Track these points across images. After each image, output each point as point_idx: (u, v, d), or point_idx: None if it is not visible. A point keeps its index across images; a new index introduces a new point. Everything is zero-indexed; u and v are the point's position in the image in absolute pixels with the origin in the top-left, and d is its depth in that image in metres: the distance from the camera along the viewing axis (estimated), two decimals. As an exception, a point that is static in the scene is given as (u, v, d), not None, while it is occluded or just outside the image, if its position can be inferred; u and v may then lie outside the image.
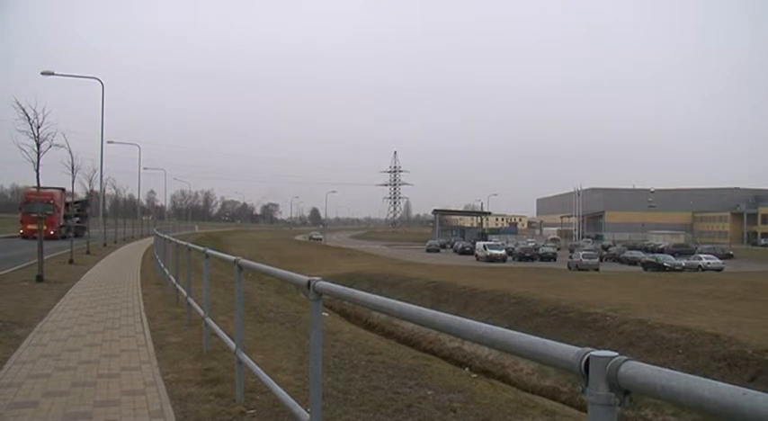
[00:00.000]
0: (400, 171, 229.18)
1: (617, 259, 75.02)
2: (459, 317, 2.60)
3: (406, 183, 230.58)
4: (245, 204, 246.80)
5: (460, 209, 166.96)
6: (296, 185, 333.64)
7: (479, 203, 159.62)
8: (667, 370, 1.66)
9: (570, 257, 65.19)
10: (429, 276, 40.09)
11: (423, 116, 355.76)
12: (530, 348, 2.11)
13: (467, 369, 18.04)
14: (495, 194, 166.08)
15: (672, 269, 60.02)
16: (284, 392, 5.25)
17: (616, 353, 1.79)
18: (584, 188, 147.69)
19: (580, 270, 56.75)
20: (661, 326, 21.31)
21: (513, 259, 72.46)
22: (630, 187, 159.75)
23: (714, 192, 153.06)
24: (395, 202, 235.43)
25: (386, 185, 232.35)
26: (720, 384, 1.50)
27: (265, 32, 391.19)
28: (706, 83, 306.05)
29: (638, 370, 1.70)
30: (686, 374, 1.61)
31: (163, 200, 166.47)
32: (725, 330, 19.74)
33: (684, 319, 22.11)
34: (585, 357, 1.83)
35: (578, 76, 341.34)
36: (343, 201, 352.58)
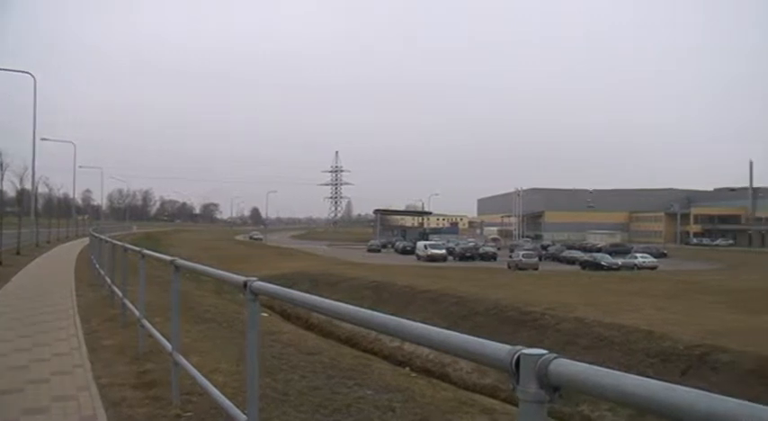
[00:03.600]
0: (342, 171, 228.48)
1: (556, 258, 75.95)
2: (394, 317, 2.59)
3: (347, 183, 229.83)
4: (184, 204, 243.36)
5: (402, 208, 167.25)
6: (237, 185, 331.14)
7: (421, 203, 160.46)
8: (595, 366, 1.70)
9: (510, 257, 65.82)
10: (370, 276, 40.11)
11: (365, 116, 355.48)
12: (463, 347, 2.12)
13: (407, 368, 18.08)
14: (437, 194, 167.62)
15: (609, 268, 61.33)
16: (221, 394, 5.17)
17: (546, 351, 1.81)
18: (524, 188, 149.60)
19: (520, 269, 57.38)
20: (598, 323, 21.72)
21: (454, 259, 72.77)
22: (570, 188, 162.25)
23: (649, 192, 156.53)
24: (336, 202, 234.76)
25: (327, 185, 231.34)
26: (645, 379, 1.56)
27: (217, 28, 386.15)
28: (642, 87, 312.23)
29: (567, 367, 1.73)
30: (613, 371, 1.65)
31: (99, 199, 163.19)
32: (659, 327, 20.23)
33: (620, 317, 22.56)
34: (516, 355, 1.85)
35: (521, 78, 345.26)
36: (284, 200, 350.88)
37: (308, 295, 3.60)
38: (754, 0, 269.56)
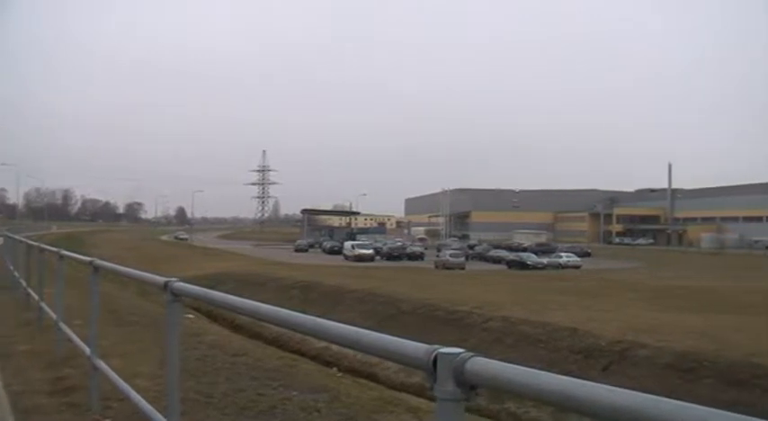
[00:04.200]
0: (269, 170, 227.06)
1: (483, 258, 76.70)
2: (313, 317, 2.56)
3: (275, 183, 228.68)
4: (107, 203, 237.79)
5: (330, 208, 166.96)
6: (162, 184, 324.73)
7: (348, 203, 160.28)
8: (511, 364, 1.73)
9: (437, 256, 66.25)
10: (297, 276, 39.91)
11: (293, 114, 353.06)
12: (381, 347, 2.11)
13: (335, 368, 18.02)
14: (364, 194, 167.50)
15: (534, 267, 62.33)
16: (141, 399, 5.05)
17: (462, 350, 1.83)
18: (451, 189, 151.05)
19: (447, 269, 57.81)
20: (524, 322, 22.05)
21: (382, 258, 72.83)
22: (496, 188, 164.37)
23: (574, 193, 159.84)
24: (263, 202, 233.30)
25: (254, 185, 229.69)
26: (558, 376, 1.61)
27: (142, 22, 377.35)
28: (566, 91, 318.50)
29: (483, 365, 1.76)
30: (528, 368, 1.69)
31: (15, 198, 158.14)
32: (582, 324, 20.65)
33: (546, 315, 22.95)
34: (434, 354, 1.85)
35: (449, 79, 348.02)
36: (210, 200, 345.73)
37: (227, 296, 3.55)
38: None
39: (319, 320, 2.48)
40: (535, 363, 17.77)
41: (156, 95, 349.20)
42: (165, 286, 4.15)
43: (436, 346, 1.88)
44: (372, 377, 19.52)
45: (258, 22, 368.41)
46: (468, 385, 1.80)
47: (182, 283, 4.09)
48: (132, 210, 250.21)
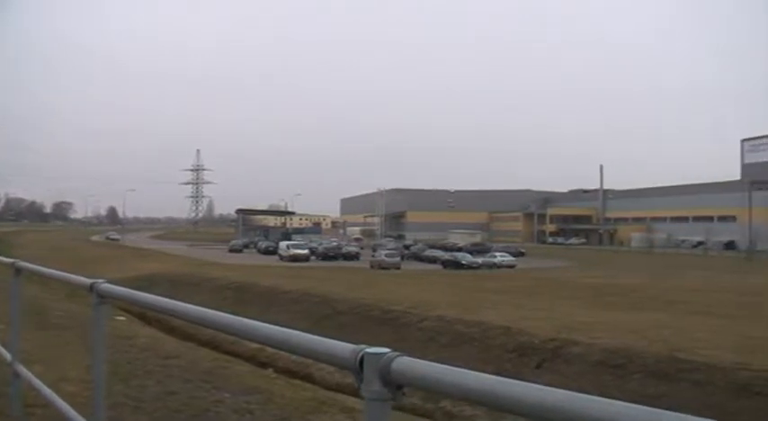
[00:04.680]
0: (203, 169, 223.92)
1: (418, 258, 76.89)
2: (241, 318, 2.50)
3: (209, 182, 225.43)
4: (33, 202, 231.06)
5: (265, 208, 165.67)
6: (92, 183, 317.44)
7: (284, 203, 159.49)
8: (437, 364, 1.74)
9: (373, 256, 66.26)
10: (232, 276, 39.47)
11: (227, 113, 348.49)
12: (308, 347, 2.09)
13: (270, 369, 17.85)
14: (299, 194, 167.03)
15: (469, 267, 62.77)
16: (66, 404, 4.88)
17: (388, 350, 1.82)
18: (386, 189, 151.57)
19: (382, 268, 57.88)
20: (458, 321, 22.19)
21: (317, 258, 72.48)
22: (431, 188, 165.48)
23: (508, 193, 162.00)
24: (197, 202, 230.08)
25: (188, 184, 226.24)
26: (482, 375, 1.65)
27: (62, 13, 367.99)
28: (500, 92, 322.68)
29: (408, 365, 1.77)
30: (453, 367, 1.70)
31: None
32: (515, 323, 20.88)
33: (480, 314, 23.14)
34: (360, 354, 1.84)
35: (386, 81, 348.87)
36: (142, 200, 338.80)
37: (155, 297, 3.45)
38: None
39: (247, 321, 2.43)
40: (470, 362, 17.90)
41: (88, 92, 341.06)
42: (91, 288, 4.02)
43: (363, 346, 1.87)
44: (308, 377, 19.40)
45: (189, 20, 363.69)
46: (395, 385, 1.81)
47: (108, 285, 3.97)
48: (61, 210, 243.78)
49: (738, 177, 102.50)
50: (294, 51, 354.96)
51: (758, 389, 13.06)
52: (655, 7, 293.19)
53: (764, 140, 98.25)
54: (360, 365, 1.84)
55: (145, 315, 27.96)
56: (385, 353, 1.81)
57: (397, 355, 1.80)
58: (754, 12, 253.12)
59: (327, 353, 2.02)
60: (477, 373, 1.66)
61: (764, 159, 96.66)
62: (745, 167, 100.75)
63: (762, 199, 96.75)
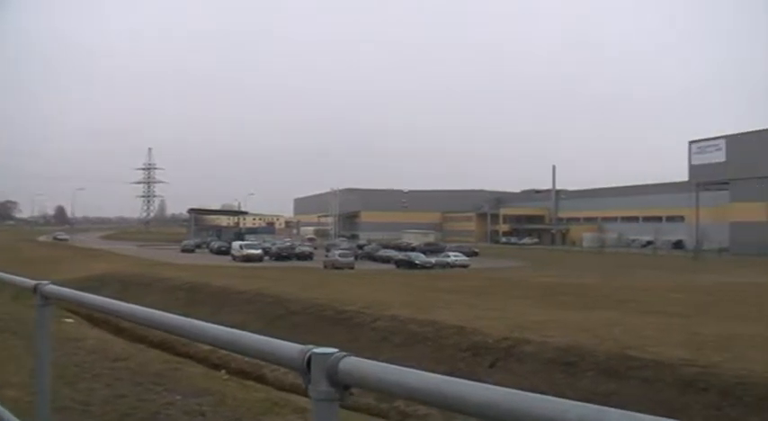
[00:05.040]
0: (155, 168, 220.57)
1: (372, 257, 76.95)
2: (188, 319, 2.45)
3: (161, 181, 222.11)
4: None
5: (218, 208, 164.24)
6: (39, 181, 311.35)
7: (237, 203, 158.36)
8: (384, 364, 1.74)
9: (326, 256, 66.11)
10: (184, 277, 39.01)
11: (179, 111, 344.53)
12: (255, 347, 2.07)
13: (223, 371, 17.67)
14: (252, 194, 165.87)
15: (423, 266, 62.94)
16: (5, 411, 4.75)
17: (336, 350, 1.81)
18: (340, 188, 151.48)
19: (336, 268, 57.77)
20: (412, 320, 22.22)
21: (270, 258, 72.08)
22: (385, 188, 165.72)
23: (462, 193, 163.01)
24: (149, 201, 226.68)
25: (139, 183, 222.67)
26: (430, 374, 1.65)
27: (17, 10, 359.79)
28: (456, 93, 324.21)
29: (355, 365, 1.76)
30: (399, 367, 1.71)
31: None
32: (469, 322, 20.97)
33: (434, 314, 23.18)
34: (308, 355, 1.83)
35: (340, 82, 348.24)
36: (92, 199, 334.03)
37: (102, 298, 3.37)
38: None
39: (195, 322, 2.38)
40: (423, 362, 17.94)
41: (33, 89, 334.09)
42: (35, 289, 3.92)
43: (310, 346, 1.86)
44: (261, 379, 19.25)
45: (134, 15, 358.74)
46: (342, 385, 1.80)
47: (53, 286, 3.87)
48: (5, 209, 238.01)
49: (686, 178, 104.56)
50: (243, 47, 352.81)
51: (704, 385, 13.30)
52: (613, 9, 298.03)
53: (711, 143, 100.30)
54: (307, 366, 1.83)
55: (93, 316, 27.53)
56: (332, 354, 1.80)
57: (345, 355, 1.79)
58: (705, 12, 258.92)
59: (275, 353, 1.99)
60: (423, 373, 1.68)
61: (711, 161, 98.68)
62: (693, 169, 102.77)
63: (708, 199, 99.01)
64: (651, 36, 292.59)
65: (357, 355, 1.80)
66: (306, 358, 1.83)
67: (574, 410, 1.38)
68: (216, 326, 2.28)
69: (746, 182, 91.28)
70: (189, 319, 2.46)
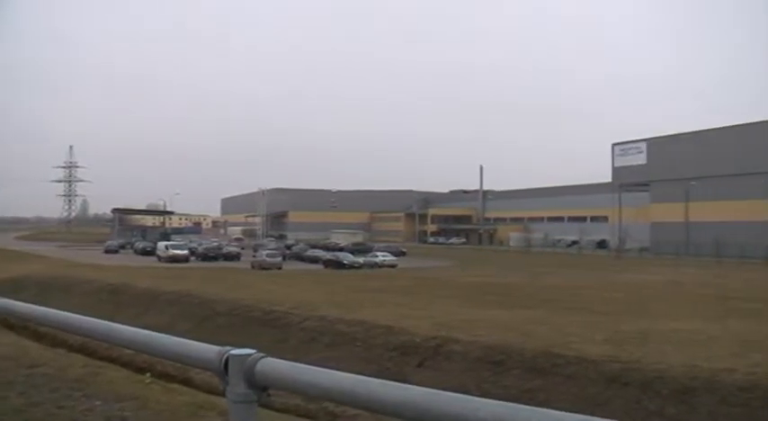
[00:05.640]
0: (77, 167, 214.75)
1: (300, 258, 76.77)
2: (106, 322, 2.31)
3: (83, 180, 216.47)
4: None
5: (143, 208, 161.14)
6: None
7: (162, 203, 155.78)
8: (301, 364, 1.66)
9: (254, 257, 65.64)
10: (107, 278, 37.99)
11: (102, 109, 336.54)
12: (171, 350, 1.96)
13: (148, 374, 17.23)
14: (178, 193, 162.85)
15: (351, 266, 63.14)
16: None
17: (254, 351, 1.73)
18: (268, 188, 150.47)
19: (264, 269, 57.31)
20: (340, 321, 22.09)
21: (197, 259, 71.27)
22: (313, 188, 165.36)
23: (390, 193, 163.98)
24: (70, 201, 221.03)
25: (60, 182, 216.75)
26: (345, 374, 1.61)
27: None
28: (382, 95, 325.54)
29: (272, 366, 1.70)
30: (315, 368, 1.64)
31: None
32: (397, 322, 20.96)
33: (362, 313, 23.11)
34: (225, 356, 1.74)
35: (268, 82, 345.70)
36: (8, 198, 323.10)
37: (12, 301, 3.17)
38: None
39: (112, 325, 2.25)
40: (352, 362, 17.83)
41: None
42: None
43: (228, 348, 1.76)
44: (188, 381, 18.84)
45: (60, 13, 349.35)
46: (260, 386, 1.73)
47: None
48: None
49: (610, 180, 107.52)
50: (170, 46, 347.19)
51: (626, 380, 13.57)
52: (538, 10, 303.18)
53: (633, 145, 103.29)
54: (225, 367, 1.74)
55: (6, 321, 26.58)
56: (250, 355, 1.72)
57: (262, 356, 1.72)
58: (631, 16, 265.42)
59: (191, 355, 1.90)
60: (339, 373, 1.63)
61: (632, 163, 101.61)
62: (616, 171, 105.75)
63: (630, 200, 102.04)
64: (576, 37, 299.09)
65: (285, 357, 1.70)
66: (223, 360, 1.75)
67: (485, 408, 1.39)
68: (132, 328, 2.15)
69: (665, 183, 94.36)
70: (106, 322, 2.33)
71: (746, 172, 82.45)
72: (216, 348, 1.65)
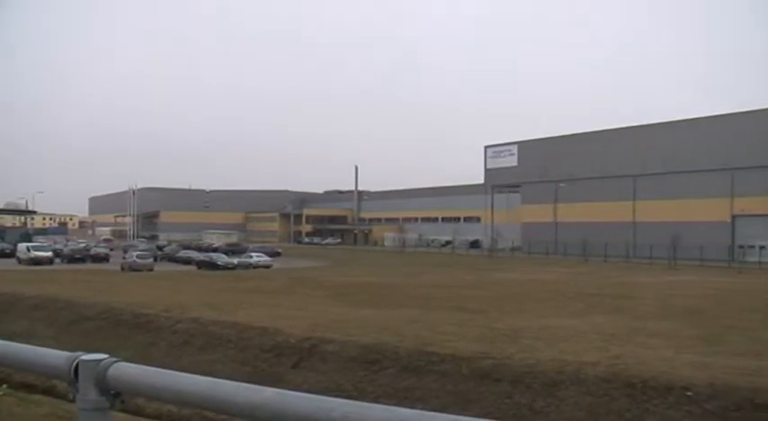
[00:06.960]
0: None
1: (172, 259, 75.32)
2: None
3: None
4: None
5: (1, 207, 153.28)
6: None
7: (23, 201, 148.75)
8: (154, 368, 1.58)
9: (124, 258, 63.69)
10: (-38, 283, 35.91)
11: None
12: (21, 358, 1.82)
13: (4, 386, 16.31)
14: (42, 192, 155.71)
15: (225, 267, 62.44)
16: None
17: (105, 356, 1.62)
18: (139, 187, 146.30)
19: (134, 271, 55.82)
20: (213, 322, 21.68)
21: (63, 261, 68.56)
22: (186, 187, 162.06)
23: (265, 193, 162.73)
24: None
25: None
26: (199, 377, 1.57)
27: None
28: (258, 93, 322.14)
29: (125, 370, 1.60)
30: (171, 371, 1.57)
31: None
32: (271, 323, 20.74)
33: (236, 315, 22.77)
34: (75, 362, 1.61)
35: (140, 74, 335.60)
36: None
37: None
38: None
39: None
40: (227, 364, 17.51)
41: None
42: None
43: (78, 353, 1.63)
44: (50, 391, 17.99)
45: None
46: (113, 392, 1.62)
47: None
48: None
49: (483, 181, 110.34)
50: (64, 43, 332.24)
51: (498, 376, 13.88)
52: (420, 13, 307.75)
53: (504, 148, 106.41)
54: (75, 374, 1.61)
55: None
56: (102, 360, 1.60)
57: (115, 361, 1.61)
58: (504, 18, 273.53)
59: (39, 362, 1.77)
60: (195, 376, 1.57)
61: (504, 165, 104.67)
62: (488, 172, 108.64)
63: (502, 201, 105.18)
64: (451, 41, 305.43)
65: (155, 361, 1.58)
66: (73, 366, 1.62)
67: (339, 408, 1.38)
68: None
69: (535, 185, 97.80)
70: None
71: (611, 175, 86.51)
72: (65, 354, 1.53)
